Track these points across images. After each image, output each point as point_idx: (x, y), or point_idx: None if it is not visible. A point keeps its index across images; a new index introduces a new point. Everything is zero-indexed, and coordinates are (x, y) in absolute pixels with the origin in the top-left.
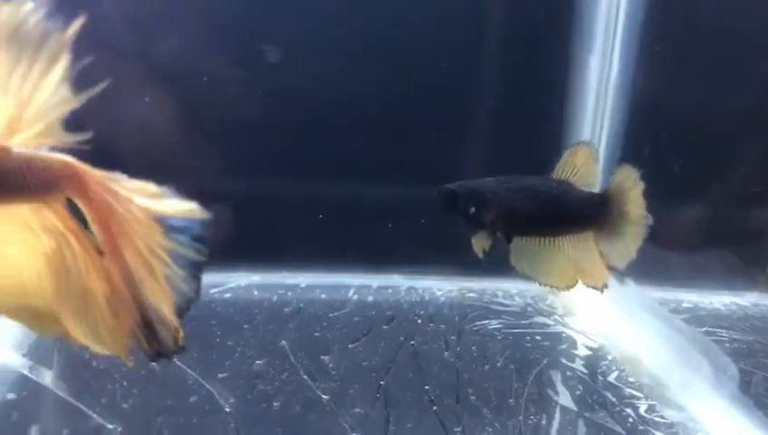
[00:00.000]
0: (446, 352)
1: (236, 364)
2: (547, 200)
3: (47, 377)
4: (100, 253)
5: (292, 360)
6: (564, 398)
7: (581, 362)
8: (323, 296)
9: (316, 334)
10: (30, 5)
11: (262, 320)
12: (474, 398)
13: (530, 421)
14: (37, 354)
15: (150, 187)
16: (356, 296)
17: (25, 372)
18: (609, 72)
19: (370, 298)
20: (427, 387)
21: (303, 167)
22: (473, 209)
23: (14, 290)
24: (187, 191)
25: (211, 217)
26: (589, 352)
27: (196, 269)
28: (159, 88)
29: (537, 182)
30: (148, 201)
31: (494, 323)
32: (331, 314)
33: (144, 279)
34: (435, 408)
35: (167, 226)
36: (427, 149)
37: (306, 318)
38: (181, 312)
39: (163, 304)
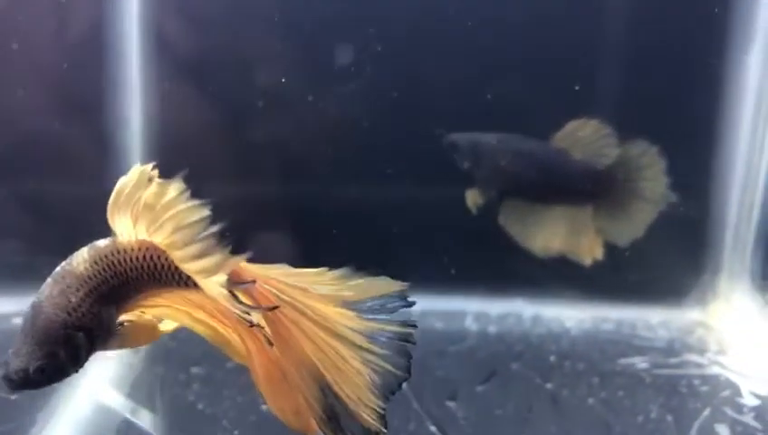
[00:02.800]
0: (590, 399)
1: None
2: (541, 166)
3: (150, 422)
4: (270, 343)
5: (416, 406)
6: None
7: (751, 414)
8: (439, 326)
9: (438, 373)
10: (202, 212)
11: None
12: None
13: None
14: (139, 395)
15: (329, 273)
16: (475, 326)
17: (129, 416)
18: None
19: (492, 328)
20: None
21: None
22: (466, 164)
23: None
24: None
25: (408, 286)
26: (757, 402)
27: (403, 346)
28: None
29: (537, 147)
30: (331, 287)
31: (639, 363)
32: (451, 348)
33: (329, 370)
34: None
35: (359, 308)
36: None
37: (424, 351)
38: (391, 391)
39: (357, 389)
